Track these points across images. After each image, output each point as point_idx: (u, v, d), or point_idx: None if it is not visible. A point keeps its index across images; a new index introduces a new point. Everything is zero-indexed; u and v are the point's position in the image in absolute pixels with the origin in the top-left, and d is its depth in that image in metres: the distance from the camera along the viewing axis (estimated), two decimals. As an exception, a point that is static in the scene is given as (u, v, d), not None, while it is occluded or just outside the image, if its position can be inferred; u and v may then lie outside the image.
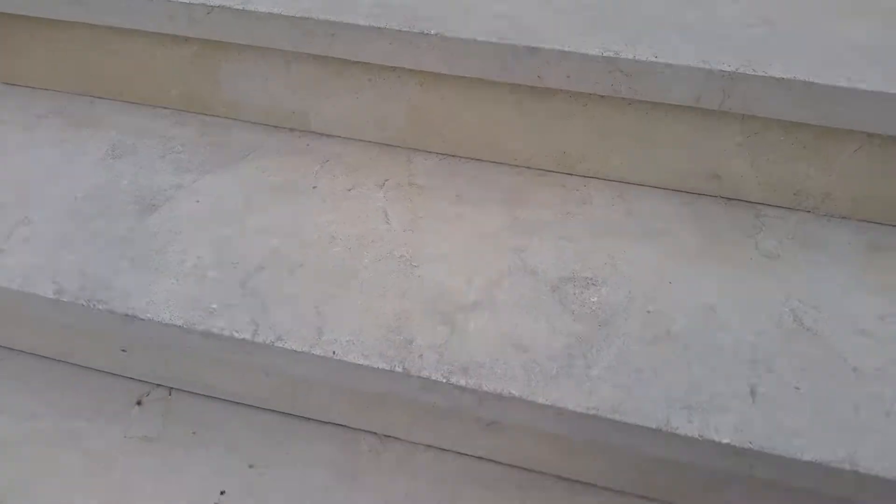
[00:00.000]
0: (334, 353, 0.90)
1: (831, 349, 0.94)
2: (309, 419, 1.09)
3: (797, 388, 0.90)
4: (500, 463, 1.06)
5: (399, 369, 0.90)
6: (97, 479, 1.02)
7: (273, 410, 1.09)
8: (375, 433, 1.08)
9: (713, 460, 0.88)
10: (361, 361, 0.90)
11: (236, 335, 0.91)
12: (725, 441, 0.85)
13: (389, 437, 1.08)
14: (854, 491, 0.86)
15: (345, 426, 1.08)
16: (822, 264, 1.04)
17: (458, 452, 1.06)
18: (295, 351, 0.91)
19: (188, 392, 1.11)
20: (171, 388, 1.11)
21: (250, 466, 1.04)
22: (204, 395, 1.10)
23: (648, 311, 0.95)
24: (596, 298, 0.96)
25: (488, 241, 1.06)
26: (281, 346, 0.91)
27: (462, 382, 0.89)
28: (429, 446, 1.07)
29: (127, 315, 0.93)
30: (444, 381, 0.89)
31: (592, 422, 0.88)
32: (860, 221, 1.11)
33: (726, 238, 1.08)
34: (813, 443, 0.85)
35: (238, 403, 1.10)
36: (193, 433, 1.06)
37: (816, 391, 0.90)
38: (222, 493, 1.01)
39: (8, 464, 1.03)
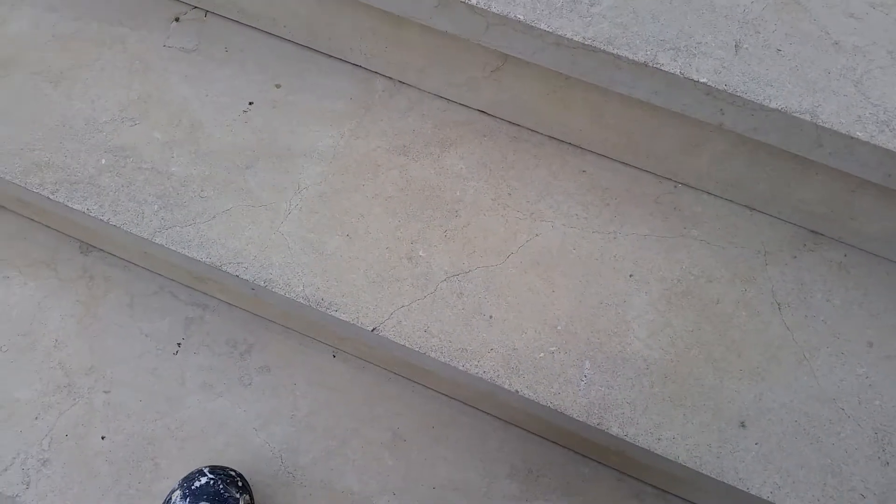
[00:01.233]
0: (360, -40, 0.98)
1: (819, 24, 1.00)
2: (331, 56, 1.18)
3: (779, 50, 0.98)
4: (498, 118, 1.16)
5: (417, -15, 0.97)
6: (137, 75, 1.13)
7: (300, 44, 1.19)
8: (391, 77, 1.18)
9: (689, 104, 0.97)
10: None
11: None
12: (703, 80, 0.94)
13: (403, 82, 1.18)
14: (812, 146, 0.96)
15: (363, 67, 1.18)
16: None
17: (462, 104, 1.17)
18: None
19: (222, 17, 1.20)
20: (207, 10, 1.20)
21: (277, 86, 1.15)
22: (237, 22, 1.19)
23: (657, -30, 1.01)
24: (610, -49, 1.02)
25: None
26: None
27: (472, 2, 0.97)
28: (437, 95, 1.17)
29: None
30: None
31: (588, 53, 0.96)
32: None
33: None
34: (782, 93, 0.94)
35: (268, 33, 1.19)
36: (226, 50, 1.17)
37: (795, 55, 0.98)
38: (251, 103, 1.13)
39: (60, 53, 1.14)
